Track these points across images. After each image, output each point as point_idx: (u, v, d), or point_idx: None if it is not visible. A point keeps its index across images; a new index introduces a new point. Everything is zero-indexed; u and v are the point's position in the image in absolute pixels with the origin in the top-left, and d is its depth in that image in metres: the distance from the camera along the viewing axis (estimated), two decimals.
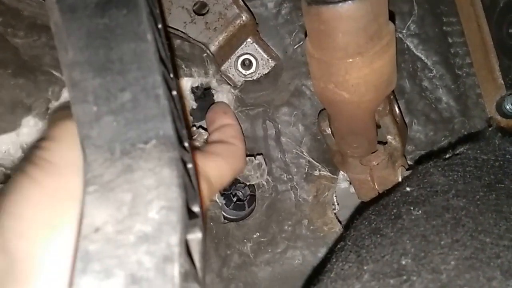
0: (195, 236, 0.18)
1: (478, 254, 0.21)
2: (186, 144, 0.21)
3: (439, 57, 0.46)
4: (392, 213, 0.27)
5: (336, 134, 0.39)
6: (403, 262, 0.22)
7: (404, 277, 0.21)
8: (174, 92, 0.22)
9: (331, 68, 0.32)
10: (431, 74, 0.46)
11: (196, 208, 0.19)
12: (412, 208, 0.26)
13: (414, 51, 0.46)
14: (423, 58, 0.46)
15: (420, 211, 0.25)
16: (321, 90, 0.35)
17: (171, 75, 0.23)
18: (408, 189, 0.29)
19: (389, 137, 0.38)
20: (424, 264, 0.21)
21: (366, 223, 0.29)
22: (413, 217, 0.25)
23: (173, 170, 0.17)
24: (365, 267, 0.23)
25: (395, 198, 0.29)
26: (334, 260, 0.27)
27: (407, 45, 0.46)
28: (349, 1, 0.29)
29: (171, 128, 0.18)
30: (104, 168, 0.17)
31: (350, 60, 0.31)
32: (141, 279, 0.15)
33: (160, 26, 0.23)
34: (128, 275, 0.15)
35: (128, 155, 0.18)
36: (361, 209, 0.34)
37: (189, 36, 0.42)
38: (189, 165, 0.21)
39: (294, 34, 0.46)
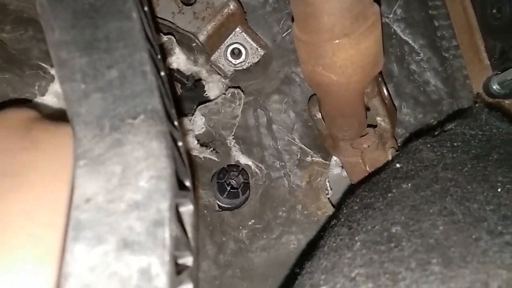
0: (187, 209, 0.18)
1: (465, 218, 0.21)
2: (175, 123, 0.22)
3: (426, 41, 0.46)
4: (383, 188, 0.27)
5: (326, 117, 0.40)
6: (393, 230, 0.22)
7: (394, 243, 0.21)
8: (162, 73, 0.22)
9: (318, 50, 0.33)
10: (419, 58, 0.46)
11: (187, 183, 0.19)
12: (401, 182, 0.26)
13: (401, 35, 0.47)
14: (410, 42, 0.47)
15: (409, 184, 0.25)
16: (309, 74, 0.36)
17: (159, 56, 0.23)
18: (398, 165, 0.29)
19: (378, 118, 0.39)
20: (413, 230, 0.22)
21: (358, 200, 0.29)
22: (402, 190, 0.25)
23: (161, 142, 0.17)
24: (356, 238, 0.23)
25: (385, 175, 0.29)
26: (327, 235, 0.27)
27: (394, 29, 0.46)
28: None
29: (159, 103, 0.18)
30: (93, 143, 0.18)
31: (337, 41, 0.32)
32: (132, 242, 0.15)
33: (146, 8, 0.24)
34: (119, 240, 0.15)
35: (117, 130, 0.18)
36: (353, 189, 0.34)
37: (177, 27, 0.42)
38: (179, 143, 0.21)
39: (282, 22, 0.46)
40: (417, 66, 0.46)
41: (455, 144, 0.29)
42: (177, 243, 0.16)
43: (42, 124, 0.23)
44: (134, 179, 0.17)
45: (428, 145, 0.30)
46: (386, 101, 0.39)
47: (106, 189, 0.16)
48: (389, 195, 0.25)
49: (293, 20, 0.35)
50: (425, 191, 0.24)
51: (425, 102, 0.46)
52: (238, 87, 0.46)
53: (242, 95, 0.46)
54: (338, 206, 0.40)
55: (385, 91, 0.40)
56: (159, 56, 0.23)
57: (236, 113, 0.46)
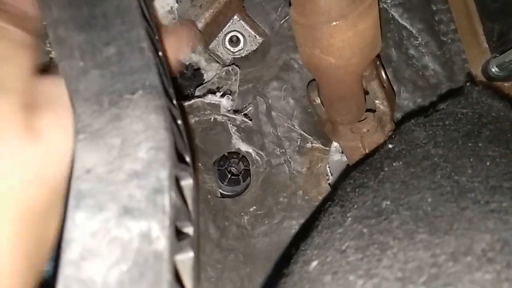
0: (187, 183, 0.19)
1: (453, 190, 0.22)
2: (174, 101, 0.22)
3: (424, 25, 0.46)
4: (375, 168, 0.27)
5: (325, 102, 0.40)
6: (383, 205, 0.23)
7: (383, 217, 0.21)
8: (160, 53, 0.22)
9: (316, 33, 0.33)
10: (417, 42, 0.46)
11: (187, 158, 0.20)
12: (393, 161, 0.26)
13: (399, 20, 0.47)
14: (408, 26, 0.47)
15: (400, 163, 0.26)
16: (307, 57, 0.36)
17: (156, 37, 0.23)
18: (390, 146, 0.30)
19: (377, 101, 0.39)
20: (402, 204, 0.22)
21: (351, 181, 0.29)
22: (393, 168, 0.26)
23: (160, 115, 0.18)
24: (347, 214, 0.23)
25: (378, 156, 0.29)
26: (321, 216, 0.28)
27: (392, 14, 0.46)
28: None
29: (157, 78, 0.19)
30: (93, 118, 0.18)
31: (334, 23, 0.32)
32: (132, 209, 0.15)
33: None
34: (120, 207, 0.15)
35: (116, 105, 0.18)
36: (348, 171, 0.34)
37: (175, 15, 0.43)
38: (179, 121, 0.21)
39: (279, 9, 0.47)
40: (416, 51, 0.46)
41: (446, 123, 0.29)
42: (177, 211, 0.16)
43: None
44: (133, 150, 0.17)
45: (420, 125, 0.30)
46: (385, 84, 0.39)
47: (106, 160, 0.16)
48: (381, 173, 0.25)
49: (289, 3, 0.35)
50: (415, 167, 0.24)
51: (424, 86, 0.46)
52: (233, 64, 0.46)
53: (238, 70, 0.46)
54: (333, 188, 0.40)
55: (383, 74, 0.40)
56: (156, 37, 0.23)
57: (234, 89, 0.46)
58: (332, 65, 0.34)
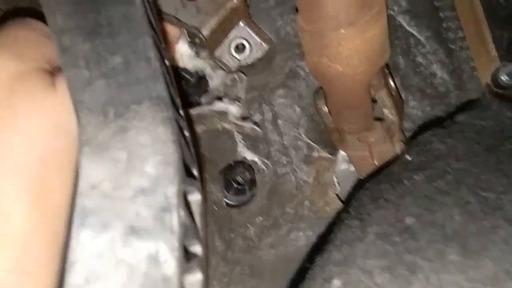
0: (195, 198, 0.18)
1: (481, 207, 0.21)
2: (181, 112, 0.21)
3: (432, 32, 0.46)
4: (393, 180, 0.27)
5: (332, 110, 0.39)
6: (407, 222, 0.22)
7: (409, 234, 0.20)
8: (166, 62, 0.22)
9: (323, 40, 0.32)
10: (425, 50, 0.46)
11: (194, 172, 0.19)
12: (413, 173, 0.25)
13: (407, 27, 0.46)
14: (415, 34, 0.46)
15: (421, 176, 0.25)
16: (314, 65, 0.35)
17: (163, 45, 0.22)
18: (408, 157, 0.29)
19: (385, 110, 0.38)
20: (428, 221, 0.21)
21: (368, 192, 0.29)
22: (414, 181, 0.25)
23: (167, 127, 0.17)
24: (368, 230, 0.23)
25: (396, 168, 0.28)
26: (337, 229, 0.27)
27: (399, 21, 0.46)
28: None
29: (164, 89, 0.18)
30: (98, 130, 0.17)
31: (342, 30, 0.31)
32: (139, 229, 0.15)
33: None
34: (126, 226, 0.15)
35: (122, 116, 0.17)
36: (362, 182, 0.34)
37: (181, 21, 0.42)
38: (186, 133, 0.21)
39: (285, 16, 0.46)
40: (423, 59, 0.46)
41: (466, 135, 0.28)
42: (185, 230, 0.16)
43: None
44: (139, 164, 0.16)
45: (438, 137, 0.29)
46: (393, 93, 0.39)
47: (111, 176, 0.16)
48: (401, 186, 0.24)
49: (296, 10, 0.34)
50: (438, 181, 0.23)
51: (432, 94, 0.45)
52: (239, 71, 0.46)
53: (244, 77, 0.45)
54: (347, 200, 0.40)
55: (391, 83, 0.39)
56: (163, 45, 0.22)
57: (240, 95, 0.46)
58: (339, 73, 0.34)
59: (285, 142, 0.46)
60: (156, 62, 0.18)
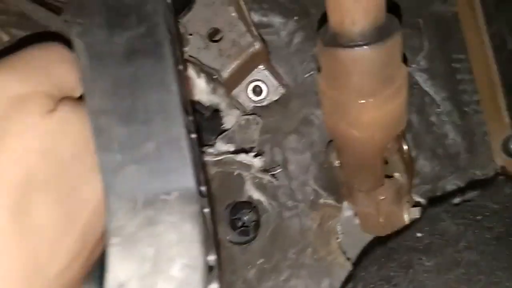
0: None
1: None
2: (203, 188, 0.22)
3: (447, 93, 0.46)
4: (403, 260, 0.27)
5: (344, 167, 0.40)
6: None
7: None
8: (197, 149, 0.22)
9: (344, 107, 0.33)
10: (439, 110, 0.46)
11: (212, 257, 0.19)
12: (423, 257, 0.26)
13: (423, 86, 0.47)
14: (431, 93, 0.47)
15: (431, 262, 0.25)
16: (332, 126, 0.36)
17: (195, 134, 0.23)
18: (418, 234, 0.29)
19: (396, 174, 0.39)
20: None
21: (376, 267, 0.29)
22: (424, 268, 0.25)
23: (194, 225, 0.18)
24: None
25: (405, 243, 0.29)
26: None
27: (416, 79, 0.47)
28: (365, 46, 0.29)
29: (193, 181, 0.19)
30: (127, 219, 0.18)
31: (363, 101, 0.32)
32: None
33: (181, 67, 0.24)
34: None
35: (151, 206, 0.18)
36: (369, 248, 0.34)
37: (202, 63, 0.43)
38: (205, 210, 0.21)
39: (305, 64, 0.47)
40: (437, 118, 0.46)
41: (477, 217, 0.29)
42: None
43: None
44: (166, 266, 0.17)
45: (449, 215, 0.30)
46: (405, 157, 0.39)
47: (139, 275, 0.16)
48: (411, 271, 0.25)
49: (318, 68, 0.35)
50: (448, 274, 0.24)
51: (442, 155, 0.46)
52: (253, 114, 0.47)
53: (260, 120, 0.46)
54: (354, 267, 0.40)
55: (405, 146, 0.40)
56: (195, 134, 0.23)
57: (254, 137, 0.46)
58: (356, 138, 0.34)
59: (292, 186, 0.47)
60: (188, 152, 0.19)
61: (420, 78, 0.47)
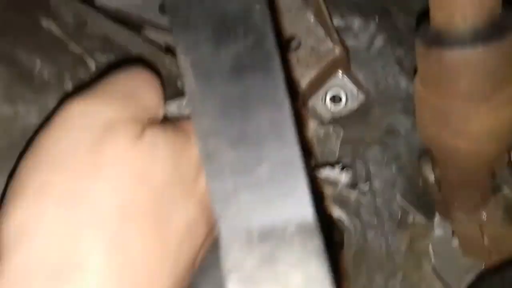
0: None
1: None
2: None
3: None
4: None
5: (443, 183, 0.36)
6: None
7: None
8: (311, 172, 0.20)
9: (449, 115, 0.29)
10: None
11: None
12: None
13: None
14: None
15: None
16: (431, 136, 0.32)
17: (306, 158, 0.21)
18: None
19: (506, 189, 0.34)
20: None
21: None
22: None
23: (320, 262, 0.15)
24: None
25: None
26: None
27: None
28: (480, 46, 0.25)
29: (312, 211, 0.16)
30: (243, 253, 0.16)
31: (472, 107, 0.28)
32: None
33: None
34: None
35: (267, 240, 0.16)
36: (482, 279, 0.30)
37: None
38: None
39: (387, 68, 0.43)
40: None
41: None
42: None
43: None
44: None
45: None
46: None
47: None
48: None
49: (415, 73, 0.31)
50: None
51: None
52: (334, 124, 0.44)
53: (341, 131, 0.43)
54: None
55: None
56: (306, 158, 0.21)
57: (334, 150, 0.44)
58: (461, 149, 0.30)
59: (377, 203, 0.43)
60: (304, 176, 0.17)
61: None
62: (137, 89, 0.23)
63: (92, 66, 0.32)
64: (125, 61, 0.33)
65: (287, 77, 0.18)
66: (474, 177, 0.32)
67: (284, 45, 0.41)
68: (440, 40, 0.27)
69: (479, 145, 0.30)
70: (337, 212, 0.44)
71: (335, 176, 0.38)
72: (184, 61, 0.18)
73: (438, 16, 0.27)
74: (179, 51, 0.18)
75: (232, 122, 0.17)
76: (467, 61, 0.26)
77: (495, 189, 0.35)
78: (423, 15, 0.29)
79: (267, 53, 0.18)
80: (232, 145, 0.17)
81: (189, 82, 0.18)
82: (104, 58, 0.32)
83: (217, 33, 0.18)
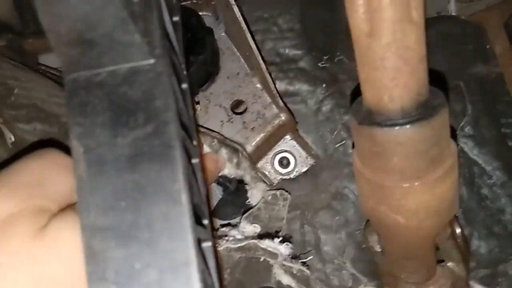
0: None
1: None
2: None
3: (499, 163, 0.41)
4: None
5: (387, 255, 0.34)
6: None
7: None
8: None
9: (384, 190, 0.29)
10: (491, 181, 0.41)
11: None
12: None
13: (469, 154, 0.42)
14: (480, 162, 0.42)
15: None
16: (370, 210, 0.31)
17: (205, 221, 0.19)
18: None
19: (450, 264, 0.33)
20: None
21: None
22: None
23: None
24: None
25: None
26: None
27: (461, 147, 0.42)
28: (407, 126, 0.25)
29: None
30: None
31: (407, 184, 0.28)
32: None
33: (196, 160, 0.21)
34: None
35: None
36: None
37: (225, 137, 0.40)
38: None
39: (335, 133, 0.43)
40: (490, 191, 0.41)
41: None
42: None
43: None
44: None
45: None
46: (460, 244, 0.34)
47: None
48: None
49: (353, 146, 0.31)
50: None
51: (500, 233, 0.40)
52: (281, 189, 0.43)
53: (288, 196, 0.42)
54: None
55: (458, 230, 0.34)
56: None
57: (282, 215, 0.42)
58: (400, 224, 0.30)
59: (327, 271, 0.41)
60: (198, 282, 0.15)
61: (466, 145, 0.42)
62: (46, 176, 0.22)
63: (11, 139, 0.30)
64: (41, 143, 0.31)
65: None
66: (417, 251, 0.32)
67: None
68: (370, 117, 0.27)
69: (419, 221, 0.29)
70: (286, 280, 0.42)
71: (275, 247, 0.36)
72: (76, 148, 0.17)
73: (368, 96, 0.27)
74: (72, 136, 0.17)
75: (122, 216, 0.16)
76: (397, 140, 0.26)
77: (440, 262, 0.34)
78: (359, 91, 0.29)
79: (167, 142, 0.17)
80: (120, 243, 0.15)
81: (79, 171, 0.16)
82: (28, 128, 0.30)
83: (116, 119, 0.17)
